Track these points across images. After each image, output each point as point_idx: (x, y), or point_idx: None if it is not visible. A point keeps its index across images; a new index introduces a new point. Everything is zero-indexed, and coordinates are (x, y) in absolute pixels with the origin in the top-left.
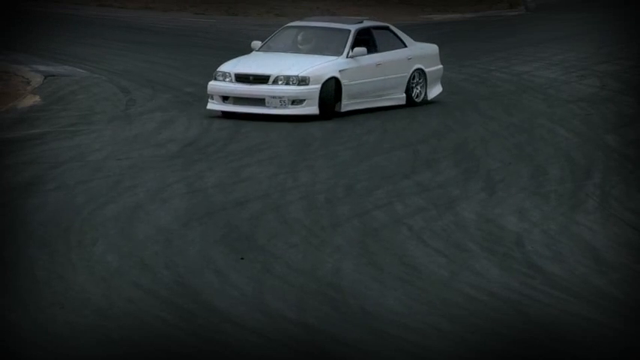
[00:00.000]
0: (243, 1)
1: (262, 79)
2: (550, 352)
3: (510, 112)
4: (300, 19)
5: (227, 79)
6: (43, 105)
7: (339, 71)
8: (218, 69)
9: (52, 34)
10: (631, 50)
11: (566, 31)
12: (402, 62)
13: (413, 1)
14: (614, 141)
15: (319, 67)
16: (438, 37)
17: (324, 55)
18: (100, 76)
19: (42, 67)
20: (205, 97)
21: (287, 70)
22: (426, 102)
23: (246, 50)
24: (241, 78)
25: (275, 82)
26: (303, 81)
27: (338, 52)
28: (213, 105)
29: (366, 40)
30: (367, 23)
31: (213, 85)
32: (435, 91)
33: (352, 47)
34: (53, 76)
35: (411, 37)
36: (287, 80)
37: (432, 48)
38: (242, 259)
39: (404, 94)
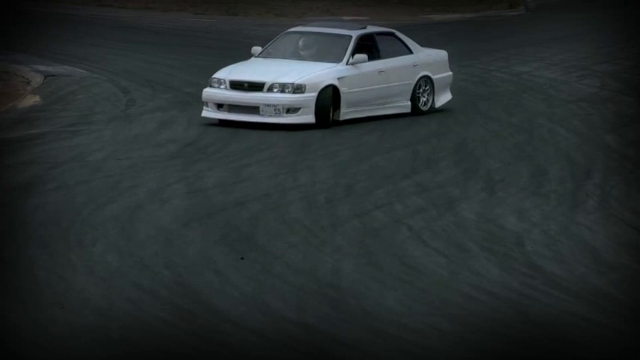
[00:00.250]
0: (243, 1)
1: (257, 87)
2: (550, 352)
3: (510, 112)
4: (303, 22)
5: (222, 86)
6: (43, 105)
7: (338, 79)
8: (213, 76)
9: (52, 34)
10: (631, 50)
11: (566, 31)
12: (406, 69)
13: (413, 1)
14: (614, 141)
15: (316, 74)
16: (438, 37)
17: (324, 61)
18: (100, 76)
19: (42, 67)
20: None
21: (282, 77)
22: (433, 110)
23: (246, 50)
24: (236, 85)
25: (270, 89)
26: (298, 89)
27: (338, 59)
28: (208, 112)
29: (369, 47)
30: (371, 29)
31: (207, 92)
32: (443, 98)
33: (353, 54)
34: (53, 76)
35: (414, 40)
36: (282, 88)
37: (441, 54)
38: (242, 259)
39: (409, 102)
